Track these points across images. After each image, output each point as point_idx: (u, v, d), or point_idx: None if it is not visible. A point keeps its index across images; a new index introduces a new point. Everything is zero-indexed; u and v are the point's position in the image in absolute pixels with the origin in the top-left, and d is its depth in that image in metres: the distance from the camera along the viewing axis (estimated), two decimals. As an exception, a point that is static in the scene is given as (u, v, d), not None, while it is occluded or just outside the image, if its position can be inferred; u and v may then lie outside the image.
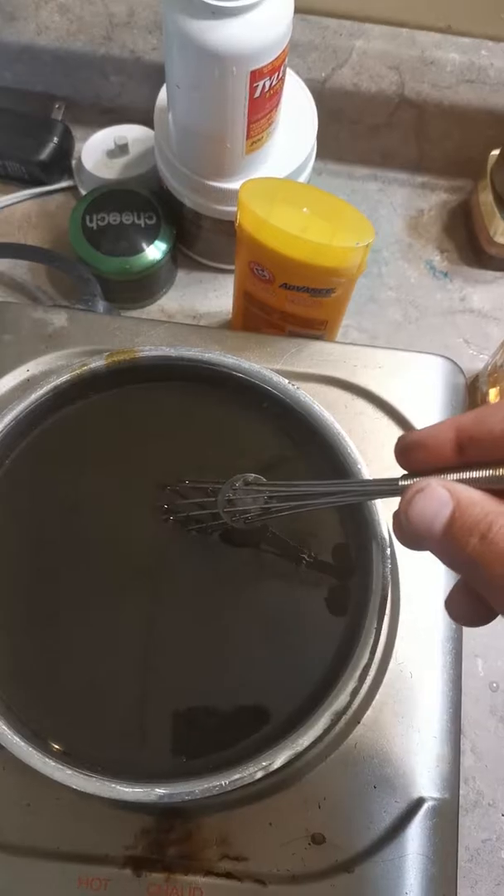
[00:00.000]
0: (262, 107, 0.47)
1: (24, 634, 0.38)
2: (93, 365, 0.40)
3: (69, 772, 0.32)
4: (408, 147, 0.65)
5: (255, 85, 0.45)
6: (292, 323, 0.54)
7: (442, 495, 0.27)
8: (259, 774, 0.33)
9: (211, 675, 0.37)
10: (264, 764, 0.33)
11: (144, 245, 0.59)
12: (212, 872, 0.40)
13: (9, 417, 0.39)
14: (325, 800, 0.42)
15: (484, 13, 0.57)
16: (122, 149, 0.63)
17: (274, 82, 0.46)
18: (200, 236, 0.62)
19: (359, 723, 0.42)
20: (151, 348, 0.40)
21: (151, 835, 0.41)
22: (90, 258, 0.58)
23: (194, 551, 0.39)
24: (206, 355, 0.40)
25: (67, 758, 0.34)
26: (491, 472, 0.27)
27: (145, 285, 0.61)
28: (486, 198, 0.61)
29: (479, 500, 0.26)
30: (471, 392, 0.62)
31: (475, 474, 0.27)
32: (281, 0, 0.43)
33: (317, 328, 0.54)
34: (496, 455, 0.27)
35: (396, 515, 0.30)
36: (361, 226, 0.45)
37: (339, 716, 0.35)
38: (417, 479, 0.28)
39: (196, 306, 0.64)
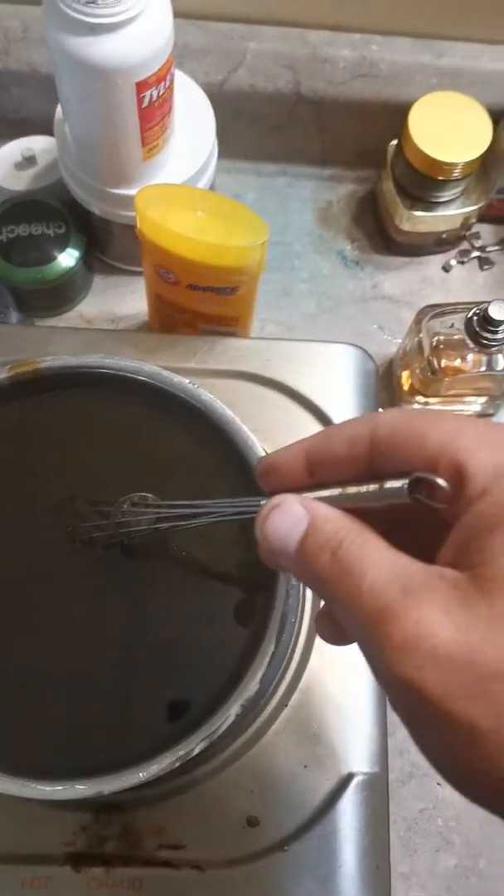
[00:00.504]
0: (153, 115, 0.48)
1: None
2: (-3, 377, 0.40)
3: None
4: (311, 142, 0.66)
5: (142, 95, 0.46)
6: (204, 321, 0.55)
7: (297, 512, 0.26)
8: (177, 764, 0.34)
9: (126, 676, 0.38)
10: (181, 753, 0.34)
11: (56, 254, 0.59)
12: (150, 863, 0.41)
13: None
14: (258, 783, 0.43)
15: (372, 8, 0.59)
16: (29, 160, 0.64)
17: (162, 91, 0.47)
18: (112, 241, 0.62)
19: (286, 706, 0.44)
20: (54, 358, 0.41)
21: (89, 830, 0.42)
22: (1, 270, 0.58)
23: (102, 567, 0.40)
24: (107, 360, 0.41)
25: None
26: (339, 490, 0.27)
27: (60, 293, 0.62)
28: (389, 186, 0.63)
29: (332, 517, 0.26)
30: (388, 376, 0.64)
31: (325, 493, 0.27)
32: (159, 12, 0.44)
33: (229, 325, 0.55)
34: (343, 475, 0.27)
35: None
36: (256, 225, 0.46)
37: (252, 702, 0.36)
38: (275, 497, 0.28)
39: (114, 310, 0.65)
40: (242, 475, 0.41)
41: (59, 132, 0.56)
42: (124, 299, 0.65)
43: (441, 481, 0.24)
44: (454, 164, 0.58)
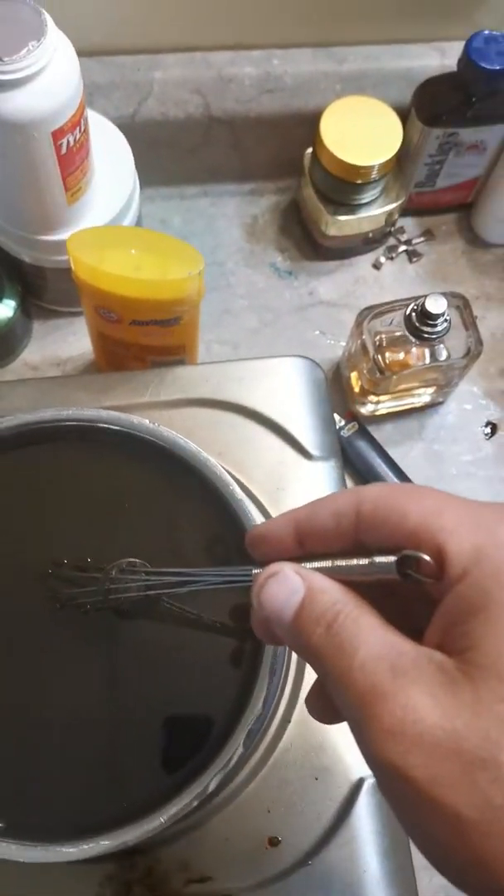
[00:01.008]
0: (73, 160, 0.48)
1: None
2: None
3: (14, 846, 0.33)
4: (229, 160, 0.67)
5: (59, 143, 0.46)
6: (152, 353, 0.55)
7: (294, 581, 0.26)
8: (195, 803, 0.34)
9: (126, 727, 0.38)
10: (198, 791, 0.35)
11: (-9, 306, 0.59)
12: (180, 899, 0.42)
13: None
14: (274, 803, 0.43)
15: (269, 24, 0.60)
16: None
17: (78, 136, 0.47)
18: (47, 286, 0.62)
19: (289, 722, 0.45)
20: (8, 418, 0.41)
21: (115, 880, 0.42)
22: None
23: (90, 626, 0.39)
24: (65, 412, 0.41)
25: (9, 831, 0.35)
26: (330, 562, 0.27)
27: (2, 344, 0.61)
28: (310, 194, 0.64)
29: (328, 588, 0.26)
30: (337, 379, 0.65)
31: (317, 564, 0.27)
32: (65, 58, 0.44)
33: (176, 353, 0.56)
34: (331, 547, 0.27)
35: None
36: (191, 255, 0.47)
37: (258, 724, 0.37)
38: (272, 566, 0.28)
39: (58, 353, 0.64)
40: (213, 508, 0.41)
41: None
42: (67, 341, 0.65)
43: (428, 558, 0.24)
44: (370, 167, 0.59)
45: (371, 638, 0.24)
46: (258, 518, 0.41)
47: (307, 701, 0.31)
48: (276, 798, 0.43)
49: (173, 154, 0.65)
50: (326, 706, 0.29)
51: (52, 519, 0.41)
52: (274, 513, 0.49)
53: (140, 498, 0.42)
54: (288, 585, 0.26)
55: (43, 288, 0.63)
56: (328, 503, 0.27)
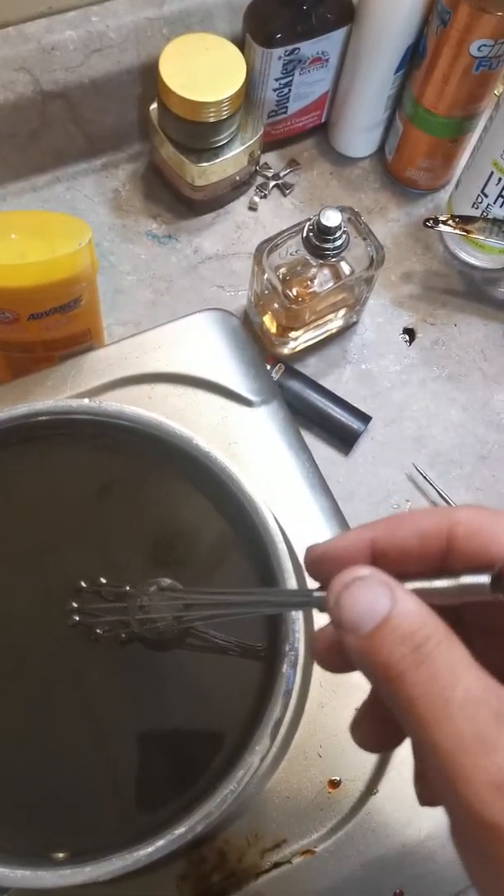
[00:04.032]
0: None
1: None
2: None
3: (88, 868, 0.30)
4: (73, 138, 0.64)
5: None
6: (58, 348, 0.52)
7: (382, 591, 0.23)
8: (265, 765, 0.33)
9: (158, 732, 0.36)
10: (259, 748, 0.33)
11: None
12: (262, 872, 0.40)
13: None
14: (322, 746, 0.42)
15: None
16: None
17: None
18: None
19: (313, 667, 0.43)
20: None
21: (189, 876, 0.40)
22: None
23: (109, 651, 0.37)
24: (39, 406, 0.39)
25: (77, 858, 0.32)
26: (421, 583, 0.24)
27: None
28: (167, 151, 0.62)
29: (417, 608, 0.23)
30: (248, 327, 0.63)
31: (411, 585, 0.24)
32: None
33: (83, 340, 0.53)
34: (409, 568, 0.25)
35: (317, 638, 0.28)
36: (74, 226, 0.44)
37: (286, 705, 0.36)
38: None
39: (-45, 379, 0.60)
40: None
41: None
42: (-40, 364, 0.61)
43: None
44: (221, 101, 0.57)
45: (468, 675, 0.21)
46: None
47: (354, 728, 0.29)
48: (324, 740, 0.42)
49: (13, 144, 0.61)
50: (379, 733, 0.27)
51: (44, 534, 0.39)
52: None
53: (137, 498, 0.40)
54: (374, 592, 0.23)
55: None
56: (410, 522, 0.25)
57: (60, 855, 0.32)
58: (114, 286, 0.63)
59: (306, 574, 0.28)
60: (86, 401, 0.40)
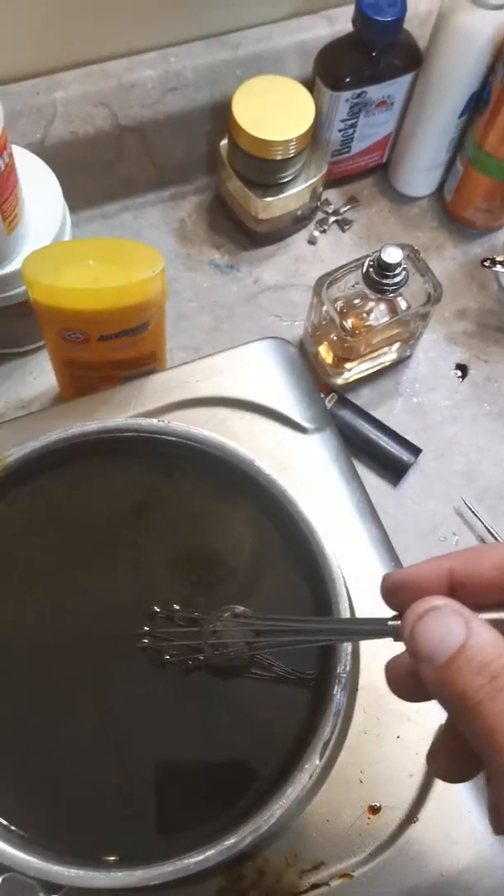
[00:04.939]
0: (6, 185, 0.47)
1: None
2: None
3: (140, 872, 0.31)
4: (144, 169, 0.66)
5: (-9, 168, 0.45)
6: (123, 368, 0.54)
7: (457, 619, 0.24)
8: (310, 783, 0.34)
9: (212, 746, 0.38)
10: (308, 767, 0.34)
11: None
12: (300, 893, 0.40)
13: None
14: (363, 771, 0.42)
15: (155, 26, 0.60)
16: None
17: (7, 159, 0.46)
18: (-8, 330, 0.61)
19: (357, 690, 0.44)
20: (18, 448, 0.40)
21: (228, 892, 0.40)
22: None
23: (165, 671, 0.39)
24: (78, 430, 0.40)
25: (126, 862, 0.33)
26: (502, 615, 0.25)
27: (-37, 398, 0.60)
28: (234, 185, 0.64)
29: (493, 639, 0.23)
30: (303, 356, 0.65)
31: (486, 616, 0.25)
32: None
33: (147, 363, 0.55)
34: (486, 600, 0.25)
35: (392, 666, 0.28)
36: (148, 255, 0.46)
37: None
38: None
39: (21, 396, 0.63)
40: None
41: None
42: (26, 382, 0.63)
43: None
44: (289, 141, 0.60)
45: None
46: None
47: (431, 757, 0.29)
48: (364, 765, 0.43)
49: (89, 173, 0.64)
50: (456, 763, 0.28)
51: (107, 552, 0.41)
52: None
53: (200, 521, 0.41)
54: (449, 622, 0.24)
55: (-11, 333, 0.61)
56: (490, 554, 0.26)
57: (111, 858, 0.33)
58: (177, 312, 0.65)
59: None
60: (154, 420, 0.42)
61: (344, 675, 0.36)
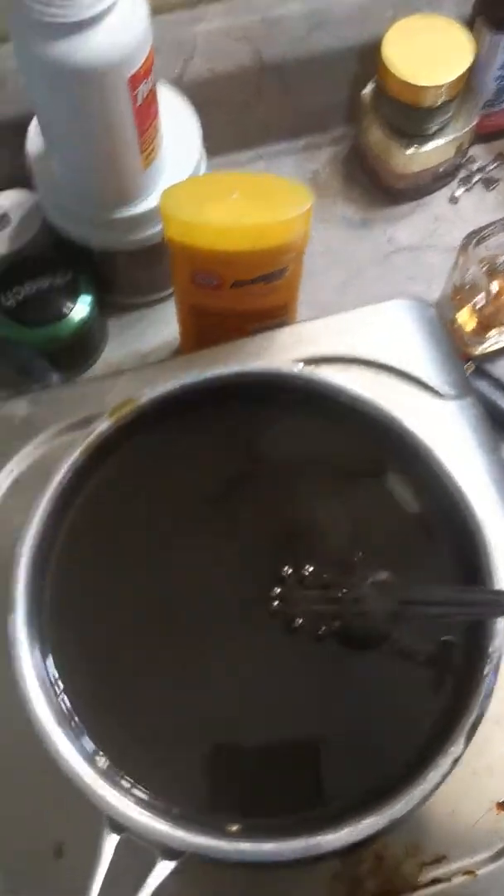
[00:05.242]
0: (148, 113, 0.45)
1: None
2: (100, 429, 0.36)
3: (268, 845, 0.29)
4: (281, 113, 0.63)
5: (135, 92, 0.42)
6: (252, 320, 0.51)
7: None
8: (436, 779, 0.31)
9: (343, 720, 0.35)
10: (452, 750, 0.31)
11: (70, 303, 0.55)
12: (419, 886, 0.37)
13: (39, 513, 0.35)
14: (493, 765, 0.39)
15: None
16: (1, 220, 0.60)
17: (150, 84, 0.44)
18: (118, 275, 0.59)
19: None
20: (151, 389, 0.37)
21: (343, 877, 0.38)
22: (22, 336, 0.54)
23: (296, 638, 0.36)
24: (215, 373, 0.38)
25: (248, 833, 0.31)
26: None
27: (85, 344, 0.58)
28: (375, 135, 0.60)
29: None
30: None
31: None
32: (133, -2, 0.40)
33: (278, 315, 0.52)
34: None
35: None
36: (295, 191, 0.43)
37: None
38: None
39: (140, 348, 0.61)
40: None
41: (39, 170, 0.52)
42: (146, 334, 0.61)
43: None
44: (441, 87, 0.55)
45: None
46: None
47: None
48: (495, 761, 0.39)
49: (224, 115, 0.61)
50: None
51: (243, 506, 0.39)
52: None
53: (338, 477, 0.39)
54: None
55: (113, 278, 0.59)
56: None
57: (234, 828, 0.31)
58: (304, 268, 0.62)
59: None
60: (301, 365, 0.39)
61: (496, 653, 0.33)
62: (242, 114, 0.62)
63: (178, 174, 0.52)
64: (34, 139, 0.53)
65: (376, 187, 0.64)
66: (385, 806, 0.30)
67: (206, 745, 0.33)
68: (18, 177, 0.60)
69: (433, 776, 0.31)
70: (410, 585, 0.34)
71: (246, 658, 0.35)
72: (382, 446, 0.39)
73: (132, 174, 0.48)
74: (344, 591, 0.34)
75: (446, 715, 0.33)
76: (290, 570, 0.36)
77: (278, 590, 0.35)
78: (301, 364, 0.40)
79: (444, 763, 0.31)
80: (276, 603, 0.35)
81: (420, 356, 0.49)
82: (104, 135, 0.44)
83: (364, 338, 0.49)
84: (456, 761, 0.31)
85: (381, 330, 0.50)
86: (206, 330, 0.53)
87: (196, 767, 0.33)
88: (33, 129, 0.54)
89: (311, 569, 0.36)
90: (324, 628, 0.34)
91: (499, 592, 0.32)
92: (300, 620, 0.35)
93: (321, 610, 0.34)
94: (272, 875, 0.36)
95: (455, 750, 0.31)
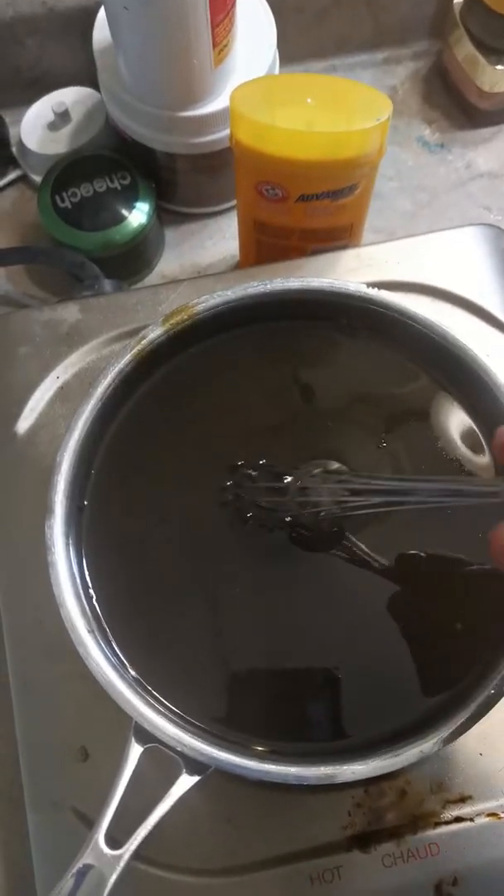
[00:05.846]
0: (223, 5, 0.42)
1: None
2: (151, 336, 0.35)
3: (295, 768, 0.29)
4: (361, 23, 0.59)
5: (212, -22, 0.40)
6: (315, 240, 0.49)
7: None
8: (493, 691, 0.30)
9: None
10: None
11: (127, 208, 0.53)
12: (441, 822, 0.37)
13: (84, 416, 0.34)
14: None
15: None
16: (62, 117, 0.58)
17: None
18: (178, 183, 0.57)
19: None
20: (211, 296, 0.36)
21: (364, 806, 0.37)
22: (75, 240, 0.53)
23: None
24: (279, 286, 0.36)
25: (276, 755, 0.30)
26: None
27: (140, 252, 0.56)
28: (463, 50, 0.56)
29: None
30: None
31: None
32: None
33: (341, 237, 0.49)
34: None
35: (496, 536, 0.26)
36: (375, 100, 0.40)
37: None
38: None
39: (197, 261, 0.59)
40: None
41: (103, 65, 0.50)
42: (204, 247, 0.59)
43: None
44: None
45: None
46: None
47: None
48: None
49: (300, 21, 0.58)
50: None
51: (267, 410, 0.37)
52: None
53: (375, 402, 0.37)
54: None
55: (174, 185, 0.57)
56: None
57: (261, 749, 0.30)
58: (374, 190, 0.59)
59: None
60: (364, 286, 0.37)
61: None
62: (319, 20, 0.58)
63: (250, 77, 0.49)
64: (101, 32, 0.51)
65: (457, 108, 0.60)
66: (416, 737, 0.29)
67: (232, 665, 0.33)
68: (83, 74, 0.58)
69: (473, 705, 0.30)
70: (361, 474, 0.32)
71: (273, 583, 0.35)
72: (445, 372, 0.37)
73: (202, 72, 0.46)
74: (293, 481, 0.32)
75: (493, 642, 0.32)
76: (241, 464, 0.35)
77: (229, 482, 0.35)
78: (374, 287, 0.37)
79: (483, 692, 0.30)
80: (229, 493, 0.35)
81: (493, 290, 0.47)
82: (175, 24, 0.42)
83: (434, 265, 0.47)
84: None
85: (452, 257, 0.47)
86: (266, 247, 0.51)
87: (221, 687, 0.33)
88: (100, 21, 0.51)
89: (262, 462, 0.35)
90: (287, 519, 0.33)
91: (446, 479, 0.29)
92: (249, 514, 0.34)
93: (270, 501, 0.33)
94: (293, 798, 0.36)
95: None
